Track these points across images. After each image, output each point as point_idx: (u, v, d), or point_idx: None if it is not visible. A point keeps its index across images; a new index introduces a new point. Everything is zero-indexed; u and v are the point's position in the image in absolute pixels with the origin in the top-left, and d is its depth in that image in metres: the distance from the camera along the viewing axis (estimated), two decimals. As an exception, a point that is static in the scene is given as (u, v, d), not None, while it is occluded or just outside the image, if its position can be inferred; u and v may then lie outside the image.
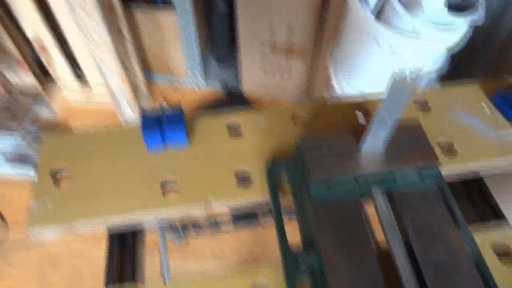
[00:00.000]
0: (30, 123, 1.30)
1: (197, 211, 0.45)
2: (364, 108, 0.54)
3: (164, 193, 0.45)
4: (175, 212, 0.45)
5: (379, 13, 0.97)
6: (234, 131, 0.51)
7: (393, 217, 0.39)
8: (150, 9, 1.42)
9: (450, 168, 0.49)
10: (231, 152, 0.49)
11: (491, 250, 0.44)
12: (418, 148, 0.42)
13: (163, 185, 0.46)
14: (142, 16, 1.43)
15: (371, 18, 0.93)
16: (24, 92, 1.44)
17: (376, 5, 0.94)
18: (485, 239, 0.45)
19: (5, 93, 1.33)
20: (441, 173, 0.42)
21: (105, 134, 0.48)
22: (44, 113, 1.53)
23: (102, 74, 1.37)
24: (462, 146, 0.50)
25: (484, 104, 0.56)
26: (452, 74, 1.36)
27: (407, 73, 0.33)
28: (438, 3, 0.84)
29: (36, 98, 1.35)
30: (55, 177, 0.44)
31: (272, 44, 1.43)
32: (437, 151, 0.50)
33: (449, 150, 0.50)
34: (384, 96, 0.35)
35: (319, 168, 0.40)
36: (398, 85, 0.33)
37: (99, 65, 1.33)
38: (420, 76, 0.33)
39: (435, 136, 0.51)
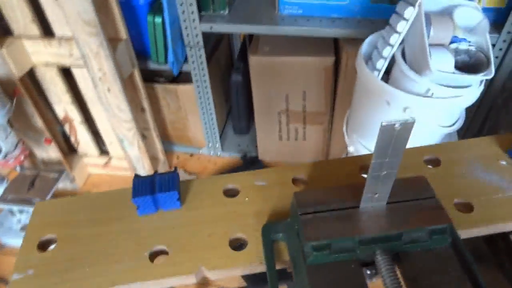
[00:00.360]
0: (52, 197, 1.33)
1: (189, 280, 0.42)
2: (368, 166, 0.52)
3: (153, 262, 0.42)
4: (165, 282, 0.42)
5: (388, 76, 0.97)
6: (230, 194, 0.49)
7: (401, 283, 0.35)
8: (170, 83, 1.50)
9: (467, 229, 0.44)
10: (227, 216, 0.46)
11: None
12: (425, 203, 0.39)
13: (153, 253, 0.43)
14: (162, 90, 1.51)
15: (380, 81, 0.93)
16: (50, 168, 1.49)
17: (384, 68, 0.95)
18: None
19: (31, 169, 1.39)
20: (455, 230, 0.38)
21: (96, 198, 0.47)
22: (67, 186, 1.57)
23: (123, 147, 1.41)
24: (479, 203, 0.46)
25: (502, 159, 0.52)
26: (479, 132, 1.32)
27: (397, 123, 0.31)
28: (447, 66, 0.83)
29: (60, 172, 1.40)
30: (41, 246, 0.43)
31: (288, 112, 1.46)
32: (451, 209, 0.45)
33: (464, 207, 0.46)
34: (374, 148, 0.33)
35: (314, 229, 0.37)
36: (386, 134, 0.31)
37: (120, 139, 1.38)
38: (409, 126, 0.31)
39: (448, 193, 0.47)
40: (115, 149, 1.55)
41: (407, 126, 0.31)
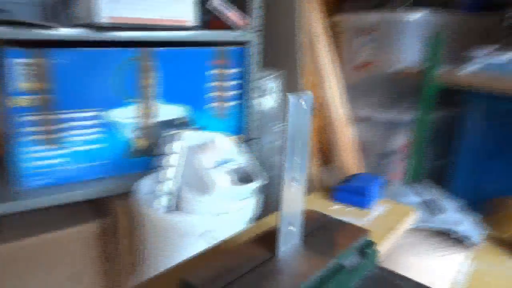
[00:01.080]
0: None
1: None
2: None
3: None
4: None
5: (176, 206, 0.93)
6: None
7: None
8: None
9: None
10: None
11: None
12: (334, 227, 0.32)
13: None
14: None
15: (167, 214, 0.88)
16: None
17: (169, 202, 0.91)
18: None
19: None
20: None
21: None
22: None
23: None
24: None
25: (330, 205, 0.54)
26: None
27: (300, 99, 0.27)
28: (225, 183, 0.88)
29: None
30: None
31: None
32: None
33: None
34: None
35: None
36: (296, 108, 0.25)
37: None
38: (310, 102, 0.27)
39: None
40: None
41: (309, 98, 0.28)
